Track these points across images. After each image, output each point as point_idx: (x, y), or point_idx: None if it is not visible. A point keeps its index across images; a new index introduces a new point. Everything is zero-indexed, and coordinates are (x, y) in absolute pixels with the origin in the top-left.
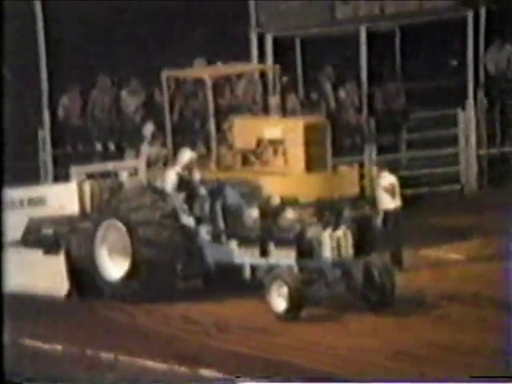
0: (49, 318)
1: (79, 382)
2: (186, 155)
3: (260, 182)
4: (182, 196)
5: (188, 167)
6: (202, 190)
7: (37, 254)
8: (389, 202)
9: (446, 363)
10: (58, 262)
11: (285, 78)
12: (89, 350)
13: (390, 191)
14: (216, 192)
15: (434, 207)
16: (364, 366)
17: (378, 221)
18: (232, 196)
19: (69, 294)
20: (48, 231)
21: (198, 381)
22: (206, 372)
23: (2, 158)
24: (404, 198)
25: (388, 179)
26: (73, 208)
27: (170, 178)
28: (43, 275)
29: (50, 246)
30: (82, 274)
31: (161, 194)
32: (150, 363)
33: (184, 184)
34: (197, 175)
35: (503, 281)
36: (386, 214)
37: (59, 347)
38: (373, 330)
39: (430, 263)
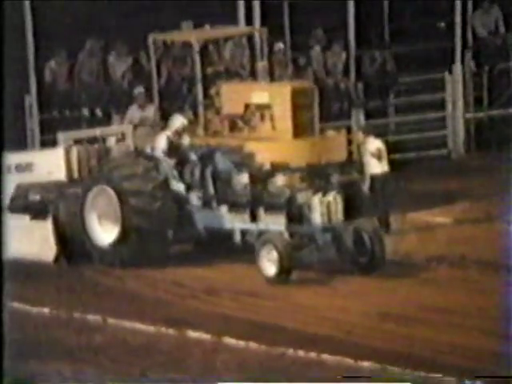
0: (37, 282)
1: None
2: (178, 121)
3: (250, 148)
4: (172, 162)
5: (178, 133)
6: (193, 156)
7: (24, 220)
8: (376, 167)
9: (432, 324)
10: (46, 228)
11: (280, 45)
12: (76, 313)
13: (377, 156)
14: (206, 158)
15: (421, 171)
16: (350, 327)
17: (366, 186)
18: (222, 162)
19: (57, 259)
20: (35, 197)
21: (186, 343)
22: (193, 334)
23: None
24: (391, 163)
25: (375, 144)
26: (60, 174)
27: (160, 143)
28: (31, 241)
29: (37, 212)
30: (71, 239)
31: (153, 161)
32: (138, 325)
33: (174, 149)
34: (187, 141)
35: (490, 243)
36: (374, 178)
37: (46, 310)
38: (360, 292)
39: (417, 227)
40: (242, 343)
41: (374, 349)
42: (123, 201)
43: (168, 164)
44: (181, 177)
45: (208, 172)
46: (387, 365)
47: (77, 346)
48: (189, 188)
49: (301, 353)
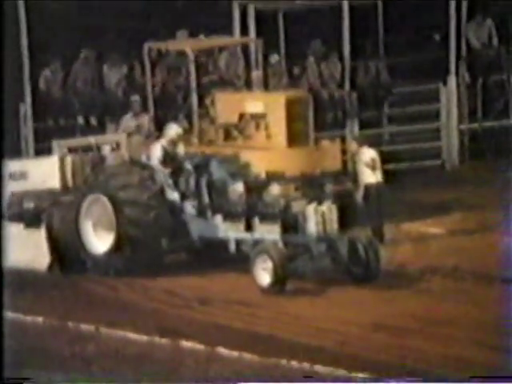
0: (30, 290)
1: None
2: (173, 130)
3: (246, 157)
4: (167, 170)
5: (173, 142)
6: (188, 165)
7: (18, 228)
8: (370, 177)
9: (425, 335)
10: (40, 236)
11: (276, 56)
12: (70, 322)
13: (371, 166)
14: (201, 167)
15: (415, 182)
16: (344, 338)
17: (359, 195)
18: (217, 171)
19: (50, 268)
20: (29, 205)
21: (179, 352)
22: (187, 344)
23: (2, 131)
24: (386, 173)
25: (369, 154)
26: (54, 182)
27: (155, 152)
28: (25, 249)
29: (31, 220)
30: (64, 248)
31: (148, 170)
32: (131, 335)
33: (169, 158)
34: (182, 150)
35: (483, 254)
36: (368, 188)
37: (40, 319)
38: (354, 302)
39: (411, 237)
40: (235, 353)
41: (367, 360)
42: (118, 210)
43: (163, 173)
44: (176, 186)
45: (203, 181)
46: (380, 376)
47: (70, 355)
48: (184, 197)
49: (294, 363)
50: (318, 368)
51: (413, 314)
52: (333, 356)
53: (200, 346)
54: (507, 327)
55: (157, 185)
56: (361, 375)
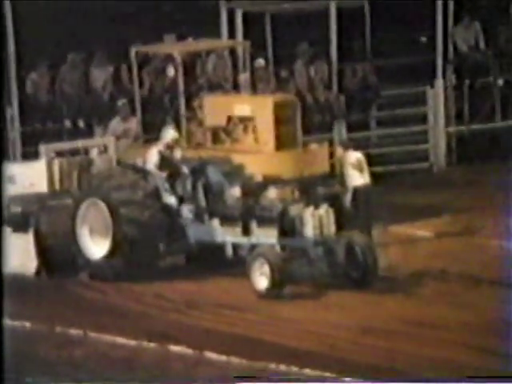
0: (18, 295)
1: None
2: (169, 134)
3: (234, 160)
4: (163, 175)
5: (170, 146)
6: (184, 169)
7: (5, 232)
8: (357, 179)
9: (414, 338)
10: (27, 240)
11: (260, 61)
12: (58, 326)
13: (358, 167)
14: (198, 171)
15: (403, 185)
16: (333, 341)
17: (347, 199)
18: (214, 175)
19: (38, 272)
20: (17, 209)
21: (167, 357)
22: (175, 348)
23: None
24: (373, 176)
25: (354, 155)
26: (42, 186)
27: (151, 157)
28: (12, 253)
29: (18, 224)
30: (52, 252)
31: (142, 172)
32: (119, 339)
33: (166, 163)
34: (178, 154)
35: (471, 257)
36: (356, 191)
37: (28, 324)
38: (343, 306)
39: (399, 240)
40: (223, 357)
41: (357, 363)
42: (114, 211)
43: (159, 177)
44: (172, 190)
45: (200, 185)
46: (370, 380)
47: (57, 360)
48: (180, 201)
49: (282, 367)
50: (307, 371)
51: (401, 317)
52: (322, 359)
53: (188, 350)
54: (496, 329)
55: (150, 185)
56: (350, 378)
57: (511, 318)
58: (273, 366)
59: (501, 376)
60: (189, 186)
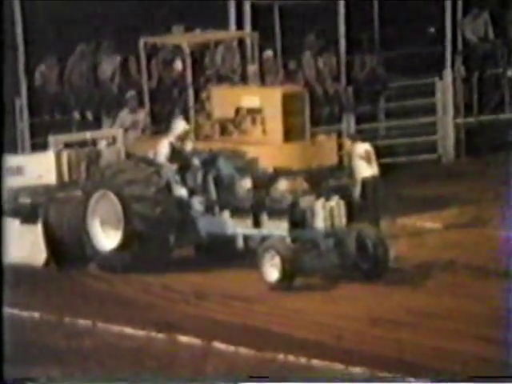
0: (27, 286)
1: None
2: (181, 126)
3: (251, 153)
4: (174, 167)
5: (181, 138)
6: (195, 161)
7: (14, 224)
8: (366, 170)
9: (422, 329)
10: (36, 232)
11: (269, 53)
12: (67, 317)
13: (366, 158)
14: (209, 163)
15: (411, 176)
16: (341, 332)
17: (357, 190)
18: (225, 167)
19: (47, 263)
20: (25, 201)
21: (175, 347)
22: (183, 338)
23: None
24: (382, 167)
25: (363, 147)
26: (50, 177)
27: (162, 149)
28: (21, 245)
29: (27, 216)
30: (61, 243)
31: (155, 166)
32: (128, 330)
33: (176, 155)
34: (189, 146)
35: (479, 248)
36: (364, 183)
37: (37, 314)
38: (352, 298)
39: (407, 232)
40: (231, 348)
41: (364, 354)
42: (126, 206)
43: (170, 169)
44: (183, 182)
45: (210, 177)
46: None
47: (67, 351)
48: (191, 193)
49: (291, 358)
50: (315, 362)
51: (409, 309)
52: (330, 350)
53: (196, 341)
54: (504, 320)
55: (163, 180)
56: (357, 369)
57: None
58: (281, 356)
59: (501, 376)
60: (199, 178)
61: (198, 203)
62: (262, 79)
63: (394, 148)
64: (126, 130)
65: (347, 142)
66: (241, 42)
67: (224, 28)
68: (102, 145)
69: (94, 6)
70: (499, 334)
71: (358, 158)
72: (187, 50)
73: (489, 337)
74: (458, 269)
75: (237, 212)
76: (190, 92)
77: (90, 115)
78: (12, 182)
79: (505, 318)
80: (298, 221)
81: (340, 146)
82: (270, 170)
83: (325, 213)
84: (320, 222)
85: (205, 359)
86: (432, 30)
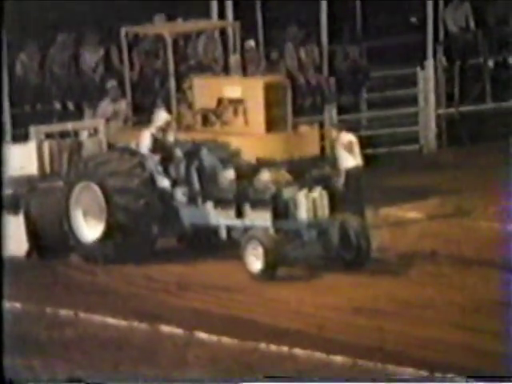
0: (8, 276)
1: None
2: (162, 117)
3: (233, 144)
4: (157, 158)
5: (163, 129)
6: (178, 152)
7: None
8: (349, 160)
9: (404, 318)
10: (18, 222)
11: (251, 43)
12: (49, 307)
13: (349, 148)
14: (192, 154)
15: (393, 167)
16: (324, 322)
17: (340, 181)
18: (208, 158)
19: (28, 254)
20: (7, 192)
21: (158, 337)
22: (166, 328)
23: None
24: (364, 158)
25: (347, 137)
26: (32, 168)
27: (144, 140)
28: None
29: (9, 207)
30: (43, 234)
31: (138, 157)
32: (110, 320)
33: (159, 145)
34: (171, 137)
35: (461, 238)
36: (347, 173)
37: (18, 305)
38: (335, 287)
39: (389, 222)
40: (214, 337)
41: (346, 343)
42: (108, 197)
43: (153, 160)
44: (166, 173)
45: (193, 168)
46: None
47: (48, 341)
48: (174, 184)
49: (273, 347)
50: (297, 351)
51: (392, 298)
52: (312, 339)
53: (179, 330)
54: (484, 309)
55: (146, 172)
56: (339, 358)
57: (500, 297)
58: (263, 345)
59: (501, 376)
60: (182, 170)
61: (181, 194)
62: (244, 69)
63: (376, 138)
64: (107, 120)
65: (332, 132)
66: (223, 32)
67: (206, 18)
68: (84, 135)
69: None
70: (480, 323)
71: (342, 148)
72: (169, 40)
73: (470, 326)
74: (440, 258)
75: (220, 203)
76: (172, 82)
77: (71, 105)
78: None
79: (486, 307)
80: (281, 211)
81: (322, 137)
82: (253, 160)
83: (308, 203)
84: (303, 213)
85: (187, 349)
86: (414, 20)
